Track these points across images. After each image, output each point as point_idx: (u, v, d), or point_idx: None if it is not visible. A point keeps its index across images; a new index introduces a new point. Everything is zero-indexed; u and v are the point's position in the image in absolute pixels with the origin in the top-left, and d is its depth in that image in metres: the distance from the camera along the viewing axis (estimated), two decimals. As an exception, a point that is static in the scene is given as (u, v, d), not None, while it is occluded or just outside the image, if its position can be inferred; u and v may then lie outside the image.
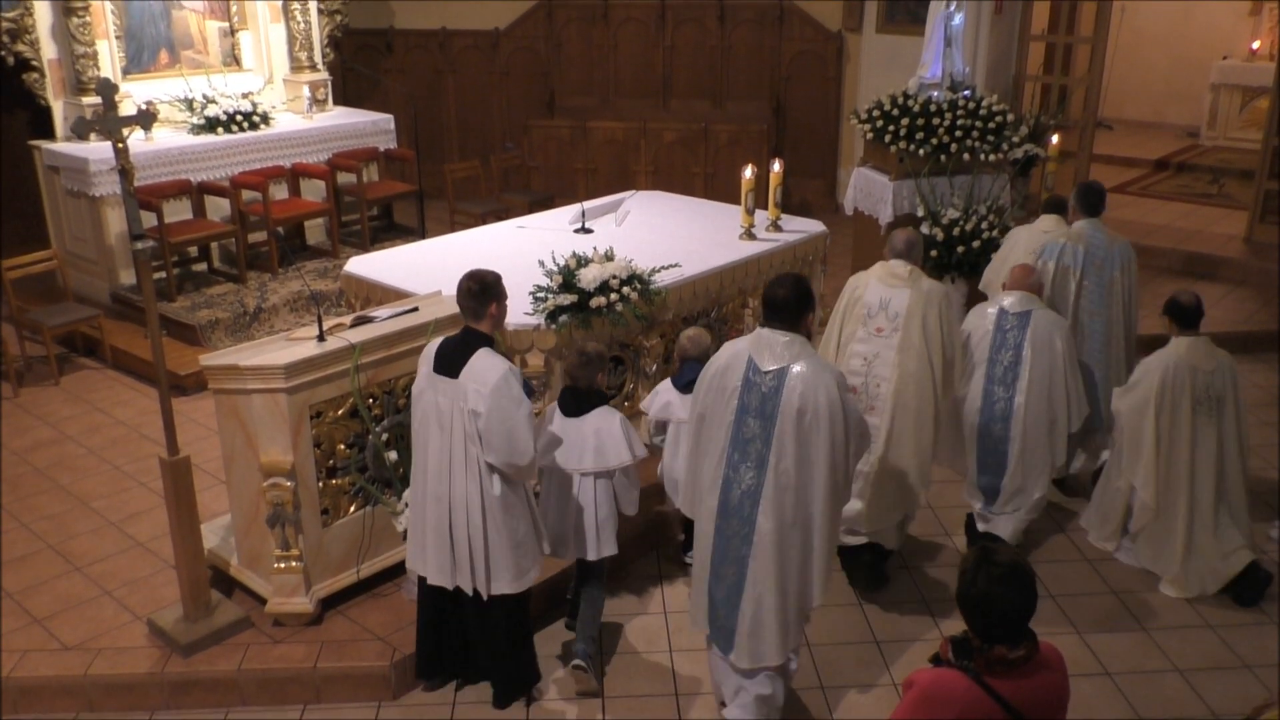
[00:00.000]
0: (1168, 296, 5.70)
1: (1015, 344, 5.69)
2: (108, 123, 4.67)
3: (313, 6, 9.95)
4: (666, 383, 5.52)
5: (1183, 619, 5.35)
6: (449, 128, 12.64)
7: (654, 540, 5.90)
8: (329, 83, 10.17)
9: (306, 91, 9.85)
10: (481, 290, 4.33)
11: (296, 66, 9.94)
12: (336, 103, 10.41)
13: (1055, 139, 8.21)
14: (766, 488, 4.09)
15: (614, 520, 4.93)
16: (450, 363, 4.35)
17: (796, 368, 4.05)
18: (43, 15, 8.40)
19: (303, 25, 9.82)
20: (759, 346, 4.13)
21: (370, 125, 10.09)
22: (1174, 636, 5.22)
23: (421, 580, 4.68)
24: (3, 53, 8.39)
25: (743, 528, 4.15)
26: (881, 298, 5.40)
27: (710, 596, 4.30)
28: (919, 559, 5.88)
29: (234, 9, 9.63)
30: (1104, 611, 5.42)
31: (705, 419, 4.27)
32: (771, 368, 4.07)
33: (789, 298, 4.10)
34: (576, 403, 4.87)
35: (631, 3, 12.06)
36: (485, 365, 4.30)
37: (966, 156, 8.30)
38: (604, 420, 4.84)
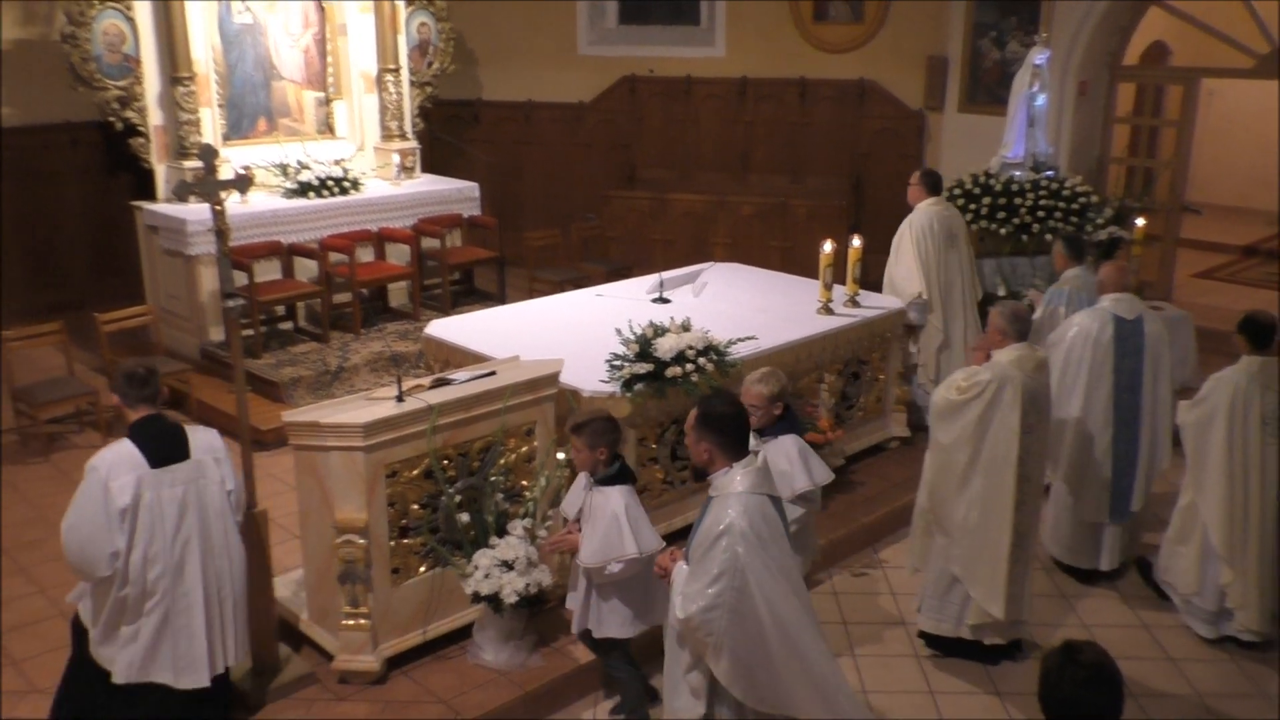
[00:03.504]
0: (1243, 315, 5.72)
1: (1136, 349, 5.97)
2: (207, 186, 4.86)
3: (405, 79, 10.30)
4: (792, 447, 5.09)
5: (1274, 722, 5.11)
6: (531, 197, 12.87)
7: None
8: (417, 151, 10.46)
9: (396, 159, 10.14)
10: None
11: (387, 135, 10.25)
12: (424, 170, 10.69)
13: (1141, 222, 8.08)
14: None
15: None
16: (170, 450, 4.38)
17: None
18: (151, 84, 8.82)
19: (395, 96, 10.15)
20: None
21: (455, 193, 10.34)
22: (1265, 741, 4.99)
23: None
24: (112, 118, 8.82)
25: None
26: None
27: None
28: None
29: (330, 80, 10.01)
30: (1188, 713, 5.19)
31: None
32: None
33: None
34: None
35: (713, 79, 12.25)
36: (206, 435, 4.56)
37: (1049, 237, 8.23)
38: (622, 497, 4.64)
